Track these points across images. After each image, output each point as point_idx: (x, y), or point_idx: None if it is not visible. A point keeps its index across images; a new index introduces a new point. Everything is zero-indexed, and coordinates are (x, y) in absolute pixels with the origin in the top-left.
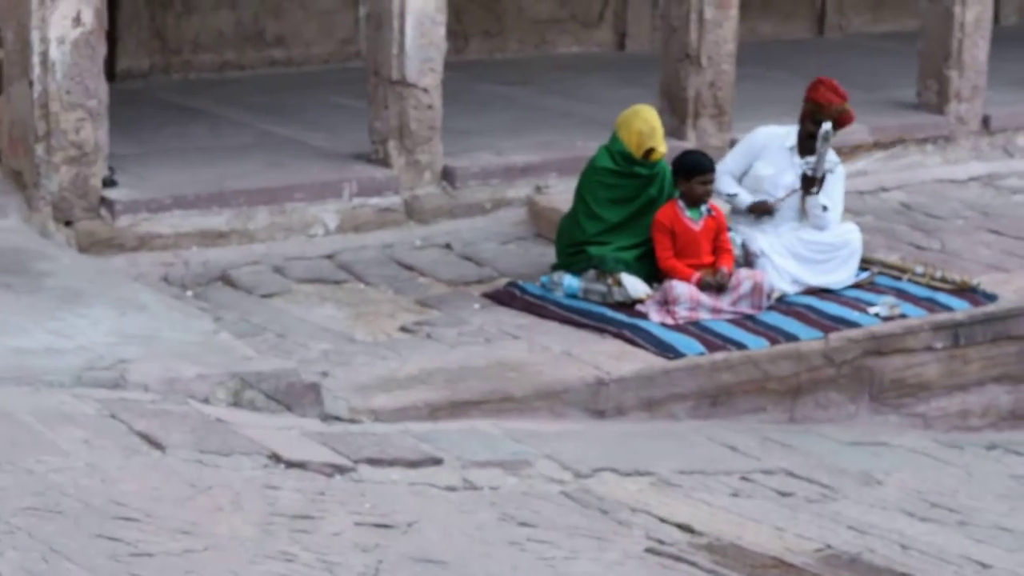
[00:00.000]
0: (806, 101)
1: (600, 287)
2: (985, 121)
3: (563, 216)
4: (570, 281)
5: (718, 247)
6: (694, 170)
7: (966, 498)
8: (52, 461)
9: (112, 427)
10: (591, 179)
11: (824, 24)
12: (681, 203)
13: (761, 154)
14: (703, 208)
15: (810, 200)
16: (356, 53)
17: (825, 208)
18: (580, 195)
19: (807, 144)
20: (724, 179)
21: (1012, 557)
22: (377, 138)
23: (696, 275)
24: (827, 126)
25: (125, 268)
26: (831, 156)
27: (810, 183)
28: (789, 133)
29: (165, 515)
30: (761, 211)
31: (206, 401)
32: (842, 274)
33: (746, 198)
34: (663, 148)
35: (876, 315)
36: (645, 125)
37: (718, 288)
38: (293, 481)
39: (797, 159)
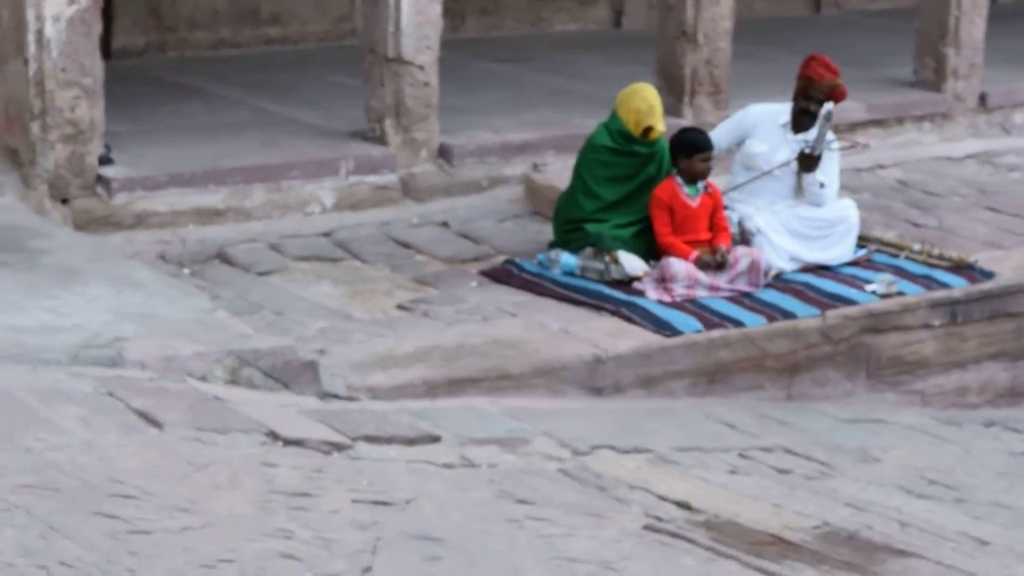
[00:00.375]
0: (799, 78)
1: (597, 264)
2: (982, 98)
3: (561, 193)
4: (567, 259)
5: (715, 224)
6: (694, 147)
7: (964, 475)
8: (49, 439)
9: (109, 405)
10: (589, 157)
11: (821, 1)
12: (679, 179)
13: (753, 131)
14: (700, 185)
15: (807, 177)
16: (352, 31)
17: (822, 185)
18: (578, 173)
19: (801, 120)
20: None
21: (1010, 534)
22: (373, 116)
23: (694, 253)
24: (828, 106)
25: (121, 246)
26: (830, 135)
27: (808, 161)
28: (782, 110)
29: (163, 493)
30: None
31: (203, 379)
32: (839, 250)
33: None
34: (662, 127)
35: (873, 292)
36: (644, 103)
37: (716, 266)
38: (291, 458)
39: (791, 136)
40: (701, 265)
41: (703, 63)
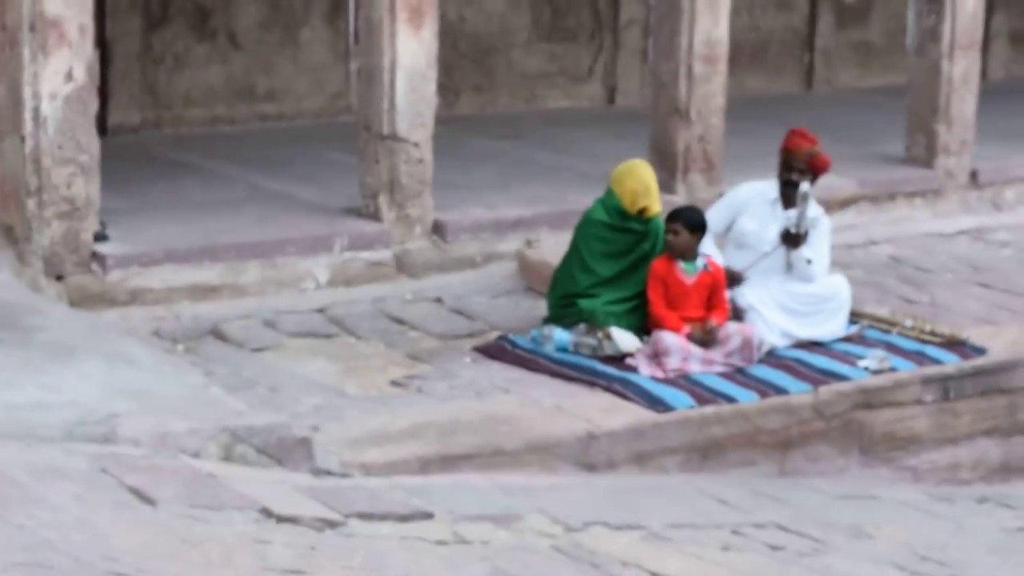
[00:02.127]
0: (780, 152)
1: (591, 341)
2: (973, 175)
3: (557, 267)
4: (560, 335)
5: (714, 304)
6: (667, 218)
7: (957, 552)
8: (43, 516)
9: (103, 482)
10: (586, 231)
11: (813, 79)
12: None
13: (744, 209)
14: (699, 263)
15: (794, 253)
16: (347, 108)
17: (810, 261)
18: (575, 247)
19: (788, 194)
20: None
21: None
22: (368, 192)
23: (685, 328)
24: (805, 186)
25: (116, 323)
26: (812, 211)
27: (792, 239)
28: (771, 187)
29: (156, 570)
30: (732, 281)
31: (197, 455)
32: (831, 326)
33: (719, 263)
34: (657, 207)
35: (866, 368)
36: (639, 184)
37: (704, 343)
38: (284, 536)
39: (780, 212)
40: (691, 340)
41: (696, 139)
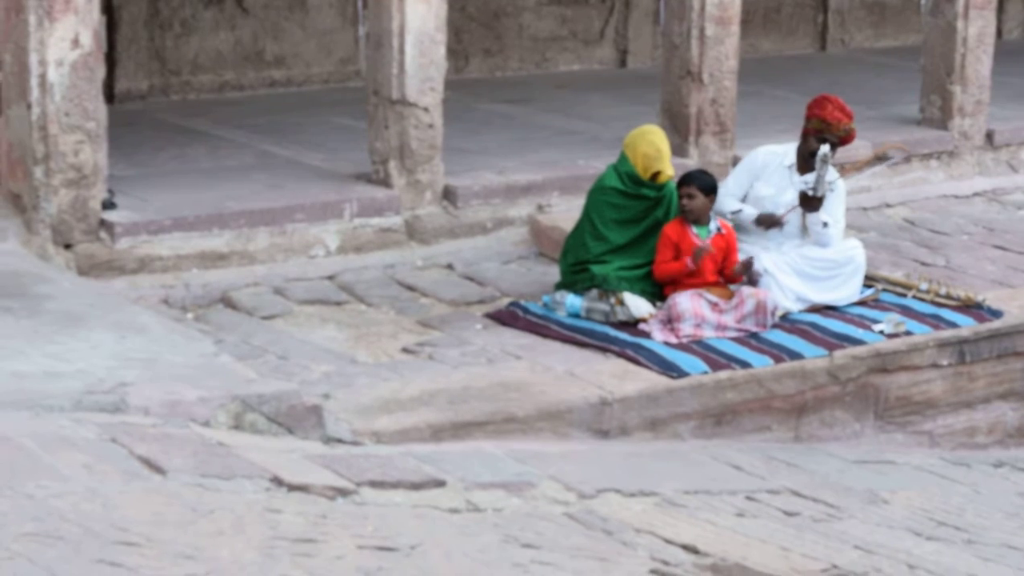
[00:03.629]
0: (811, 118)
1: (603, 306)
2: (989, 136)
3: (569, 234)
4: (572, 300)
5: (728, 265)
6: (679, 182)
7: (973, 516)
8: (52, 486)
9: (112, 451)
10: (598, 198)
11: (826, 40)
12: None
13: (761, 174)
14: (711, 226)
15: (811, 217)
16: (356, 73)
17: (826, 224)
18: (587, 214)
19: (807, 161)
20: (726, 200)
21: None
22: (378, 158)
23: (688, 258)
24: (825, 148)
25: (125, 291)
26: (830, 175)
27: (809, 202)
28: (787, 151)
29: (167, 540)
30: (769, 224)
31: (207, 424)
32: (846, 291)
33: (751, 212)
34: (670, 171)
35: (881, 332)
36: (651, 148)
37: (736, 279)
38: (295, 504)
39: (796, 177)
40: (698, 254)
41: (708, 102)
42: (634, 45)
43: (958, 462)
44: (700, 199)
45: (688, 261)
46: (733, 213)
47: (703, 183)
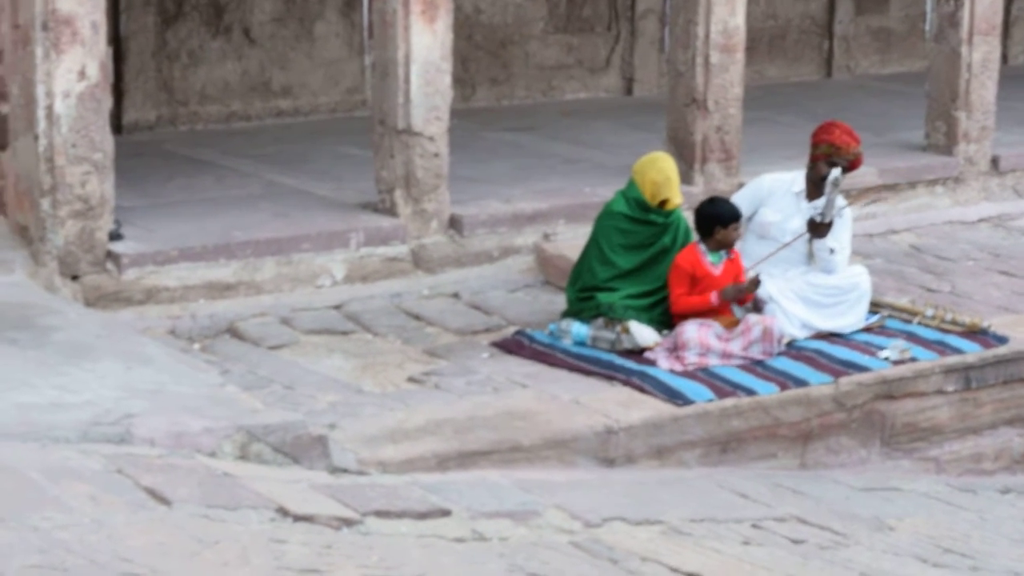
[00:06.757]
0: (819, 144)
1: (608, 335)
2: (994, 162)
3: (576, 260)
4: (578, 329)
5: None
6: (731, 218)
7: (979, 543)
8: (57, 517)
9: (118, 482)
10: (606, 223)
11: (832, 66)
12: (703, 247)
13: (767, 201)
14: (723, 252)
15: (817, 243)
16: (362, 102)
17: (832, 251)
18: (594, 239)
19: (817, 187)
20: None
21: None
22: (384, 187)
23: (714, 295)
24: (836, 172)
25: (132, 322)
26: (839, 200)
27: (817, 228)
28: (795, 178)
29: (172, 571)
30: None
31: (213, 455)
32: (852, 318)
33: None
34: (678, 199)
35: (886, 359)
36: (660, 175)
37: (750, 289)
38: (300, 535)
39: (804, 204)
40: (729, 294)
41: (714, 130)
42: (640, 73)
43: (964, 488)
44: (740, 229)
45: (713, 297)
46: None
47: (736, 214)
